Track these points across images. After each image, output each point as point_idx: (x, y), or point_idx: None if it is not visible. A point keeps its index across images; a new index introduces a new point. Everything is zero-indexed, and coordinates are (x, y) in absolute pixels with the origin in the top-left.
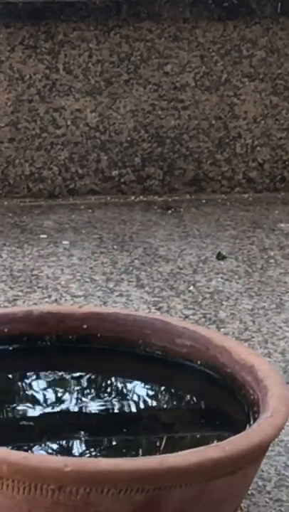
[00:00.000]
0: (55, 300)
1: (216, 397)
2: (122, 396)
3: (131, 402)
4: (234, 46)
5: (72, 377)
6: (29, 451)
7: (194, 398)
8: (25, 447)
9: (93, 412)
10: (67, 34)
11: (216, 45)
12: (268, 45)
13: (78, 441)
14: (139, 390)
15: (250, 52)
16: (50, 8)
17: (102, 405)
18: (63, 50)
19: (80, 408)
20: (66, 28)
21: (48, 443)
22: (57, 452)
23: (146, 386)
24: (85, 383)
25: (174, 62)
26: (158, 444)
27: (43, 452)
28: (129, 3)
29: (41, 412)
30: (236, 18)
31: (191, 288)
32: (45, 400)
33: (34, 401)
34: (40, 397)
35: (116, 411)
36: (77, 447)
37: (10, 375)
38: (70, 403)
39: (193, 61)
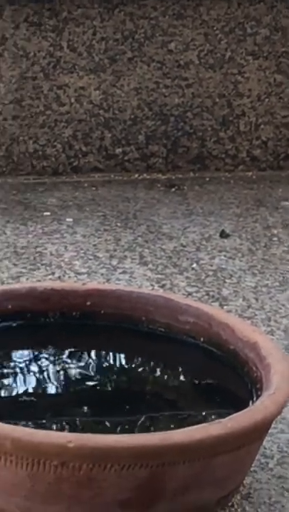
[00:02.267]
0: (59, 277)
1: (219, 374)
2: (125, 373)
3: (134, 379)
4: (238, 24)
5: (76, 354)
6: (32, 428)
7: (197, 375)
8: (29, 424)
9: (96, 388)
10: (71, 11)
11: (220, 22)
12: (272, 23)
13: (81, 417)
14: (142, 366)
15: (254, 30)
16: None
17: (105, 382)
18: (67, 27)
19: (83, 385)
20: (70, 5)
21: (51, 419)
22: (60, 428)
23: (150, 363)
24: (88, 360)
25: (178, 40)
26: (161, 420)
27: (46, 428)
28: None
29: (45, 388)
30: None
31: (194, 265)
32: (49, 376)
33: (37, 377)
34: (43, 373)
35: (119, 388)
36: (80, 424)
37: (13, 352)
38: (73, 380)
39: (197, 39)
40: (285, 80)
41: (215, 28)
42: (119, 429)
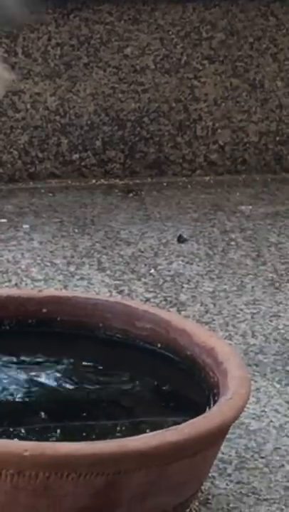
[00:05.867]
0: (16, 284)
1: (176, 380)
2: (81, 380)
3: (90, 386)
4: (194, 28)
5: (32, 362)
6: None
7: (154, 381)
8: None
9: (53, 396)
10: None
11: (175, 27)
12: (228, 27)
13: (37, 426)
14: (99, 373)
15: (209, 35)
16: None
17: (62, 389)
18: (22, 33)
19: (40, 393)
20: None
21: (7, 428)
22: (16, 437)
23: (107, 369)
24: (44, 367)
25: (134, 44)
26: (118, 427)
27: (2, 437)
28: None
29: (1, 396)
30: (195, 1)
31: (152, 271)
32: (5, 384)
33: None
34: None
35: (76, 395)
36: (37, 432)
37: None
38: (30, 388)
39: (153, 44)
40: (241, 84)
41: (170, 33)
42: (75, 436)
